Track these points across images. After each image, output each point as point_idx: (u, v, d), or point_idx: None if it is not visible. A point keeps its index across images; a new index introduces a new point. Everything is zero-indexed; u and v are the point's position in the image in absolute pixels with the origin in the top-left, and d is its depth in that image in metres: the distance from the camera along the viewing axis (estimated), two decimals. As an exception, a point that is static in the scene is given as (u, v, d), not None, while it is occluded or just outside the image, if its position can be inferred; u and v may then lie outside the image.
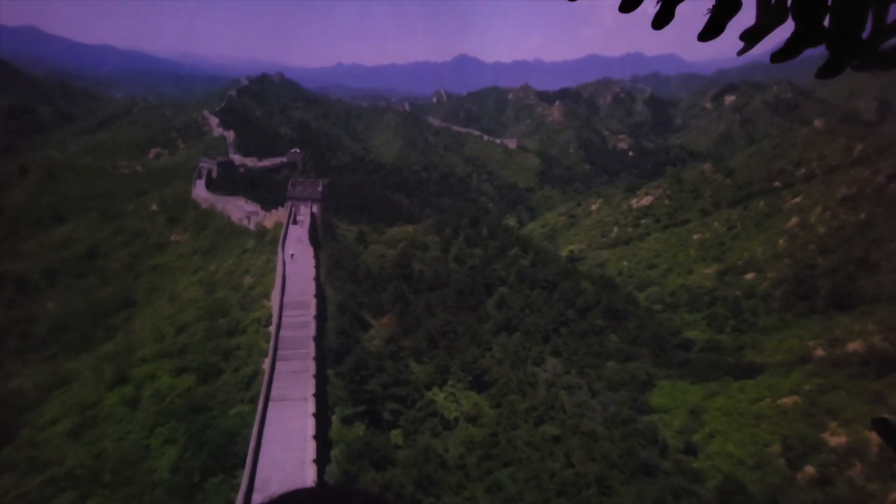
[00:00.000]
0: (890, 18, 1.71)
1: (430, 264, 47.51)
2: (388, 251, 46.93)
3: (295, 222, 45.03)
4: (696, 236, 73.67)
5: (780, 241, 64.12)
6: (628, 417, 38.53)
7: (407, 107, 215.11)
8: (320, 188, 49.35)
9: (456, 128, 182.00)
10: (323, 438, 25.66)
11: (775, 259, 61.72)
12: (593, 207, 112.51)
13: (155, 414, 29.07)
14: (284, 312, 33.58)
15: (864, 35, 1.72)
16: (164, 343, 34.51)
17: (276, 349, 29.96)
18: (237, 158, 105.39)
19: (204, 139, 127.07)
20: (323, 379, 30.42)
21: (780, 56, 1.83)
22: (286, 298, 34.93)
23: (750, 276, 60.98)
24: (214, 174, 70.97)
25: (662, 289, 64.24)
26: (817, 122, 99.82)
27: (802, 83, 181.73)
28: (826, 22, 1.70)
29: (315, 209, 47.68)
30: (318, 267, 37.83)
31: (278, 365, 28.99)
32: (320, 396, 28.09)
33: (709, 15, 1.80)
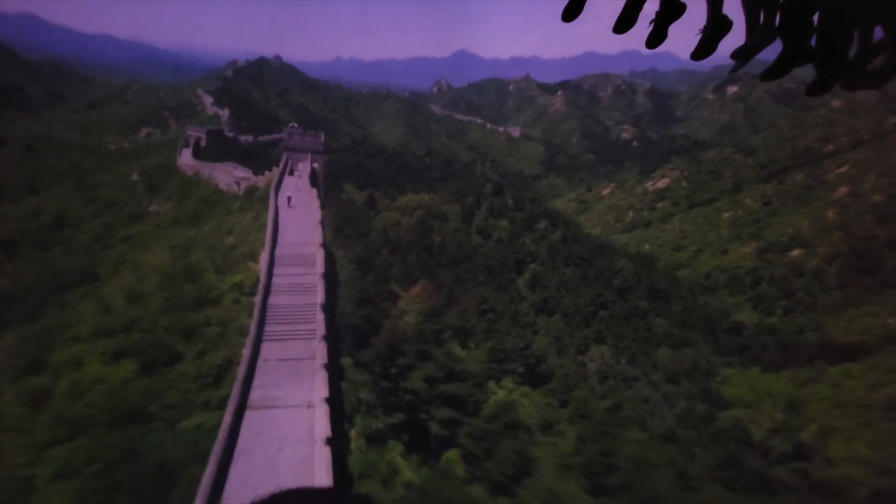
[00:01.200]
0: (875, 39, 1.78)
1: (451, 236, 43.35)
2: (403, 219, 42.71)
3: (291, 174, 40.98)
4: (726, 214, 69.99)
5: (829, 214, 60.22)
6: (706, 414, 32.92)
7: (407, 95, 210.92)
8: (322, 139, 45.25)
9: (458, 115, 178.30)
10: (339, 473, 15.78)
11: (824, 233, 57.82)
12: (605, 192, 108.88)
13: (56, 423, 18.68)
14: (277, 270, 25.39)
15: (851, 54, 1.79)
16: (108, 318, 25.02)
17: (261, 324, 21.26)
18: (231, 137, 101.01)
19: (197, 118, 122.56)
20: (337, 372, 20.96)
21: (768, 75, 1.89)
22: (280, 251, 27.16)
23: (796, 252, 57.09)
24: (204, 143, 66.65)
25: (694, 271, 60.35)
26: (835, 103, 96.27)
27: (804, 74, 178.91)
28: (813, 42, 1.79)
29: (316, 165, 43.51)
30: (323, 212, 32.46)
31: (265, 348, 20.04)
32: (334, 401, 18.38)
33: (700, 35, 1.86)
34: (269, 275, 24.83)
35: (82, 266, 43.07)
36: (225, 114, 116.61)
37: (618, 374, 35.57)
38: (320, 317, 21.92)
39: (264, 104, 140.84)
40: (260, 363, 19.51)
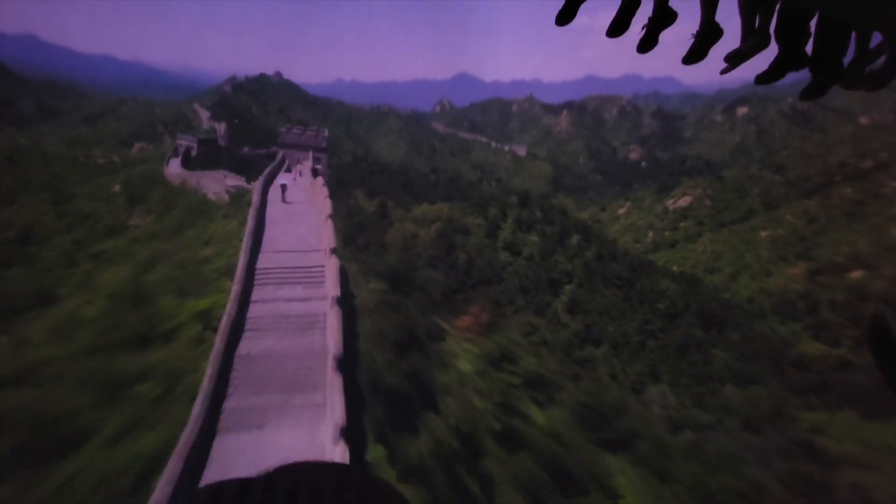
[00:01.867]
0: (873, 44, 1.74)
1: (477, 252, 37.32)
2: (421, 231, 36.70)
3: (289, 171, 35.05)
4: (764, 233, 63.95)
5: (893, 231, 54.13)
6: (816, 479, 26.07)
7: (407, 112, 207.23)
8: (325, 134, 39.38)
9: (462, 134, 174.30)
10: None
11: (888, 252, 51.65)
12: (621, 211, 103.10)
13: None
14: (260, 293, 17.02)
15: (848, 59, 1.77)
16: (11, 360, 17.03)
17: (215, 396, 12.45)
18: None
19: (192, 132, 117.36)
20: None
21: (763, 79, 1.82)
22: (266, 262, 18.43)
23: (856, 274, 50.81)
24: (195, 152, 60.81)
25: (735, 295, 54.01)
26: (863, 119, 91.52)
27: (819, 100, 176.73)
28: (809, 46, 1.77)
29: (320, 166, 37.52)
30: (332, 204, 23.65)
31: (225, 443, 11.30)
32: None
33: (693, 40, 1.84)
34: (243, 301, 16.01)
35: (40, 287, 36.39)
36: (222, 127, 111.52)
37: (691, 422, 28.81)
38: (335, 381, 12.43)
39: (264, 119, 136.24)
40: (211, 470, 10.09)
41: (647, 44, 1.79)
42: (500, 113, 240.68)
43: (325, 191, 26.20)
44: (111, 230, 45.93)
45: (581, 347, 32.90)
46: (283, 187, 26.65)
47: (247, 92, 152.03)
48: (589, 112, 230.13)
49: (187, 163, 60.48)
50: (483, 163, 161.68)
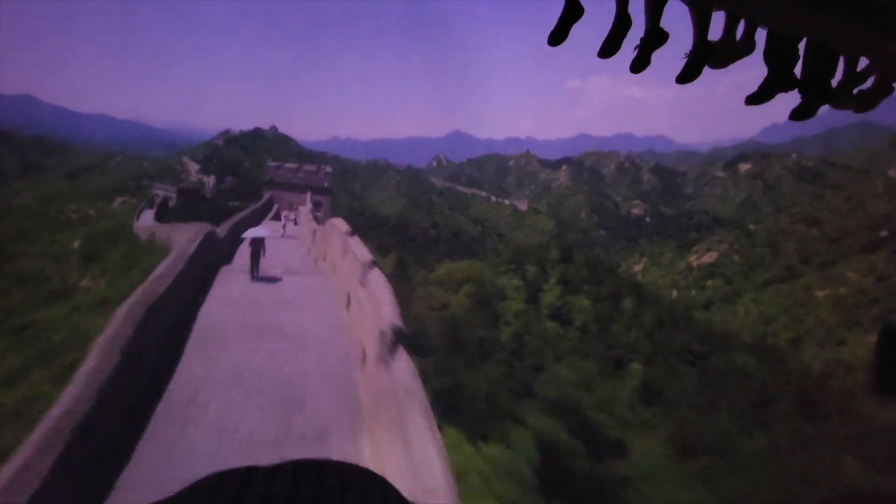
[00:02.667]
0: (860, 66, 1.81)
1: (522, 323, 29.15)
2: (451, 298, 28.64)
3: (277, 219, 27.05)
4: (821, 293, 56.13)
5: None
6: None
7: (403, 168, 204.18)
8: (329, 171, 31.81)
9: (461, 188, 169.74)
10: None
11: None
12: (637, 268, 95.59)
13: None
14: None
15: (836, 81, 1.82)
16: None
17: None
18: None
19: (180, 185, 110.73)
20: None
21: (753, 99, 1.90)
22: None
23: None
24: (173, 202, 53.18)
25: (807, 368, 45.32)
26: (891, 172, 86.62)
27: (813, 152, 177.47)
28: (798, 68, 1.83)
29: (321, 212, 29.76)
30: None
31: None
32: None
33: (686, 60, 1.88)
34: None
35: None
36: (210, 180, 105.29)
37: None
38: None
39: (256, 172, 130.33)
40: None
41: (639, 64, 1.81)
42: (496, 168, 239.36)
43: (356, 244, 12.81)
44: (54, 295, 37.33)
45: (677, 458, 23.99)
46: (256, 247, 15.64)
47: (240, 146, 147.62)
48: (586, 168, 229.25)
49: (163, 214, 52.89)
50: (483, 217, 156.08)
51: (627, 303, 37.29)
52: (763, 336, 57.92)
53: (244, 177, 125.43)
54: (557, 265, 39.89)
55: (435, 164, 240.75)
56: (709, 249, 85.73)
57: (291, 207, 29.59)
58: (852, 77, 1.77)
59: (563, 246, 48.72)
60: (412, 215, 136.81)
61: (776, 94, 1.78)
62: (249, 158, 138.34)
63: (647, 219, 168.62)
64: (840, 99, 1.78)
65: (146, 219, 49.80)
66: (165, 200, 54.09)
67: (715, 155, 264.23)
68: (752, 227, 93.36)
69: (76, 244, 49.86)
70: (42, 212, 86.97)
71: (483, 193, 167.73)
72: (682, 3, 1.80)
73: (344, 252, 11.71)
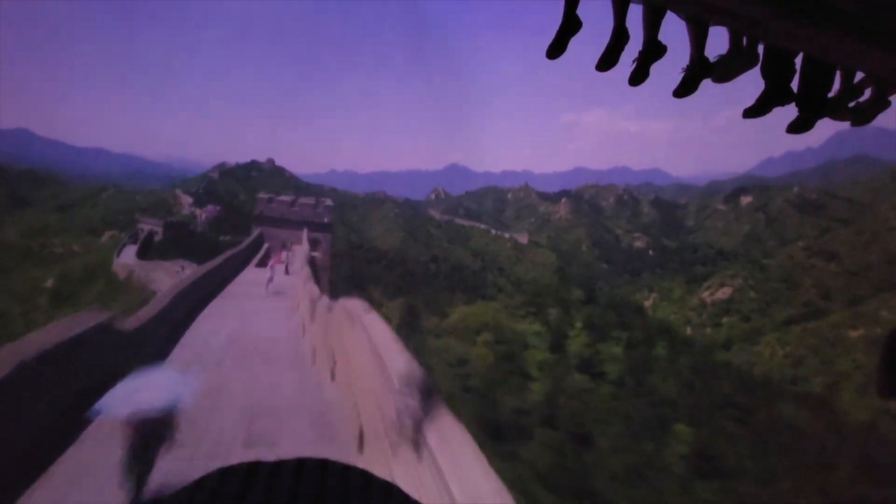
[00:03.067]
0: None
1: (548, 378, 25.01)
2: (470, 351, 24.52)
3: (263, 264, 22.95)
4: (855, 333, 52.17)
5: None
6: None
7: (401, 200, 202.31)
8: (329, 205, 28.07)
9: (460, 221, 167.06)
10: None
11: None
12: (647, 304, 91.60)
13: None
14: None
15: (832, 94, 1.83)
16: None
17: None
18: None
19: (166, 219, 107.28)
20: None
21: (751, 113, 1.91)
22: None
23: None
24: (159, 237, 49.40)
25: (846, 417, 40.97)
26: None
27: (812, 185, 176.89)
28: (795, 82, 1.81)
29: (319, 252, 25.72)
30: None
31: None
32: None
33: (682, 74, 1.91)
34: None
35: None
36: (203, 213, 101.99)
37: None
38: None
39: (251, 205, 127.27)
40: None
41: (638, 77, 1.83)
42: (495, 201, 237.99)
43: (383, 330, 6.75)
44: (11, 340, 33.23)
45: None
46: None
47: (235, 178, 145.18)
48: (585, 201, 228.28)
49: (146, 250, 49.06)
50: (483, 250, 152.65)
51: (660, 348, 33.29)
52: (794, 380, 53.76)
53: (239, 210, 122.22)
54: (581, 307, 35.98)
55: (433, 196, 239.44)
56: (722, 284, 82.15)
57: (284, 247, 25.31)
58: (849, 90, 1.76)
59: (587, 285, 44.91)
60: (411, 248, 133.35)
61: (774, 107, 1.77)
62: (245, 191, 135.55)
63: (650, 251, 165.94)
64: (837, 112, 1.77)
65: (128, 255, 45.91)
66: (151, 235, 50.38)
67: (713, 188, 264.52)
68: (765, 261, 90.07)
69: (49, 282, 45.81)
70: (24, 247, 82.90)
71: (482, 226, 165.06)
72: (679, 18, 1.80)
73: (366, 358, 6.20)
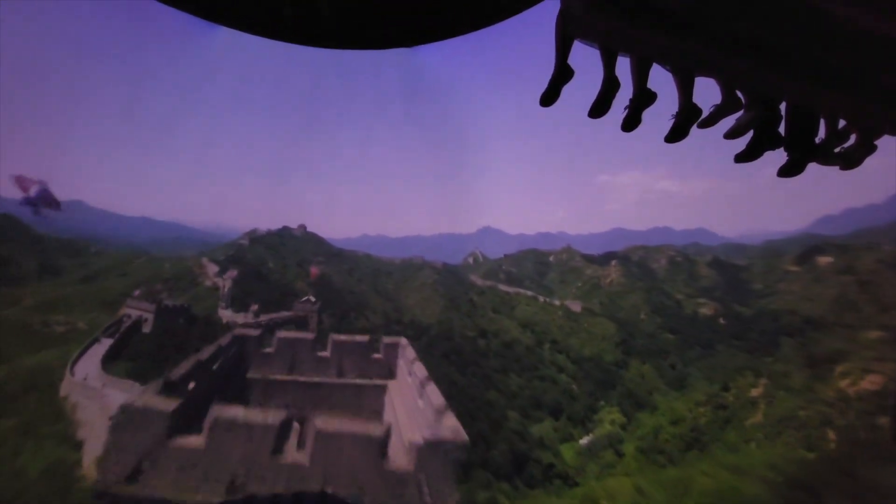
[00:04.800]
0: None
1: None
2: None
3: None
4: None
5: None
6: None
7: (440, 266, 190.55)
8: (406, 344, 15.53)
9: (503, 287, 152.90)
10: None
11: None
12: (755, 393, 73.85)
13: None
14: None
15: (819, 139, 1.86)
16: None
17: None
18: (227, 314, 73.77)
19: (194, 290, 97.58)
20: None
21: (742, 157, 1.95)
22: None
23: None
24: (148, 328, 37.51)
25: None
26: None
27: (889, 245, 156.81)
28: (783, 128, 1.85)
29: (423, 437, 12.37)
30: None
31: None
32: None
33: (673, 120, 1.94)
34: None
35: None
36: (226, 284, 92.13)
37: None
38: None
39: (281, 274, 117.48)
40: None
41: (630, 123, 1.89)
42: (536, 264, 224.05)
43: None
44: None
45: None
46: None
47: (265, 245, 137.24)
48: (634, 263, 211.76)
49: (120, 349, 37.05)
50: (532, 320, 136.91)
51: None
52: None
53: (266, 278, 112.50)
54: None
55: (471, 260, 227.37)
56: (865, 371, 64.03)
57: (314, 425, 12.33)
58: (835, 135, 1.85)
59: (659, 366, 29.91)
60: (454, 320, 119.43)
61: (764, 151, 1.85)
62: (274, 259, 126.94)
63: (720, 319, 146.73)
64: (825, 156, 1.84)
65: (87, 362, 33.75)
66: (136, 325, 38.90)
67: (771, 248, 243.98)
68: (874, 332, 72.00)
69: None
70: (22, 325, 73.87)
71: (528, 293, 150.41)
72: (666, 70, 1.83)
73: None
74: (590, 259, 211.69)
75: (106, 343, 36.91)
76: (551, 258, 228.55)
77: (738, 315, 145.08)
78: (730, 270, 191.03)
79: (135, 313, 42.48)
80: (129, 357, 35.81)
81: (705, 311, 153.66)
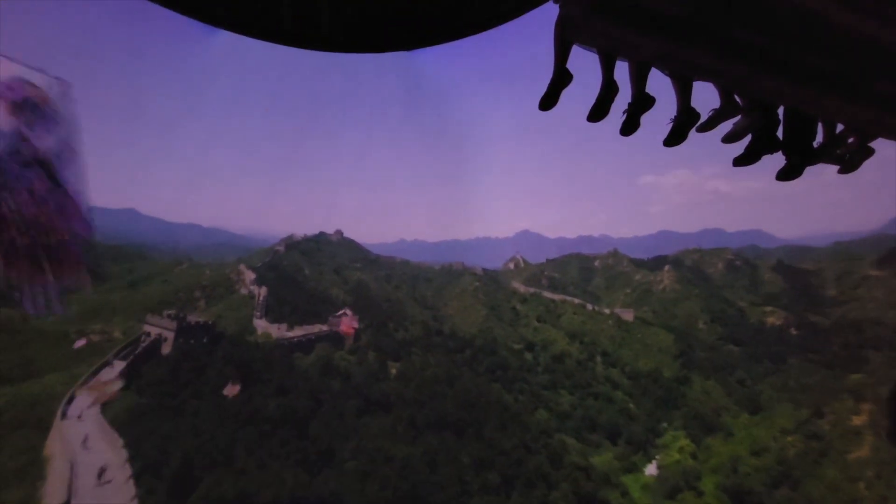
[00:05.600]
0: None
1: None
2: None
3: None
4: None
5: None
6: None
7: (480, 272, 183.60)
8: None
9: (548, 294, 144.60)
10: None
11: None
12: (857, 422, 63.71)
13: None
14: None
15: (817, 142, 1.86)
16: None
17: None
18: (261, 325, 70.07)
19: (230, 297, 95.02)
20: None
21: (741, 161, 1.95)
22: None
23: None
24: (168, 349, 32.93)
25: None
26: None
27: None
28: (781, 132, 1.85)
29: None
30: None
31: None
32: None
33: (671, 124, 1.96)
34: None
35: None
36: (262, 292, 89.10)
37: None
38: None
39: (317, 281, 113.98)
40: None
41: (629, 127, 1.91)
42: (580, 269, 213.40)
43: None
44: None
45: None
46: None
47: (301, 251, 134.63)
48: (687, 267, 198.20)
49: (135, 371, 32.62)
50: (579, 330, 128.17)
51: None
52: None
53: (302, 285, 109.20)
54: None
55: (512, 265, 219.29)
56: None
57: None
58: (833, 139, 1.87)
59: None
60: (496, 329, 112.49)
61: (762, 155, 1.88)
62: (310, 266, 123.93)
63: (791, 330, 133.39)
64: (823, 160, 1.87)
65: (77, 407, 29.05)
66: (155, 345, 34.53)
67: (841, 250, 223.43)
68: None
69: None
70: (59, 334, 72.54)
71: (576, 301, 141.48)
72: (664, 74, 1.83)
73: None
74: (639, 263, 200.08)
75: (118, 367, 32.79)
76: (597, 262, 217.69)
77: (812, 325, 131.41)
78: (797, 275, 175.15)
79: (154, 331, 38.37)
80: (138, 388, 31.64)
81: (773, 319, 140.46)
